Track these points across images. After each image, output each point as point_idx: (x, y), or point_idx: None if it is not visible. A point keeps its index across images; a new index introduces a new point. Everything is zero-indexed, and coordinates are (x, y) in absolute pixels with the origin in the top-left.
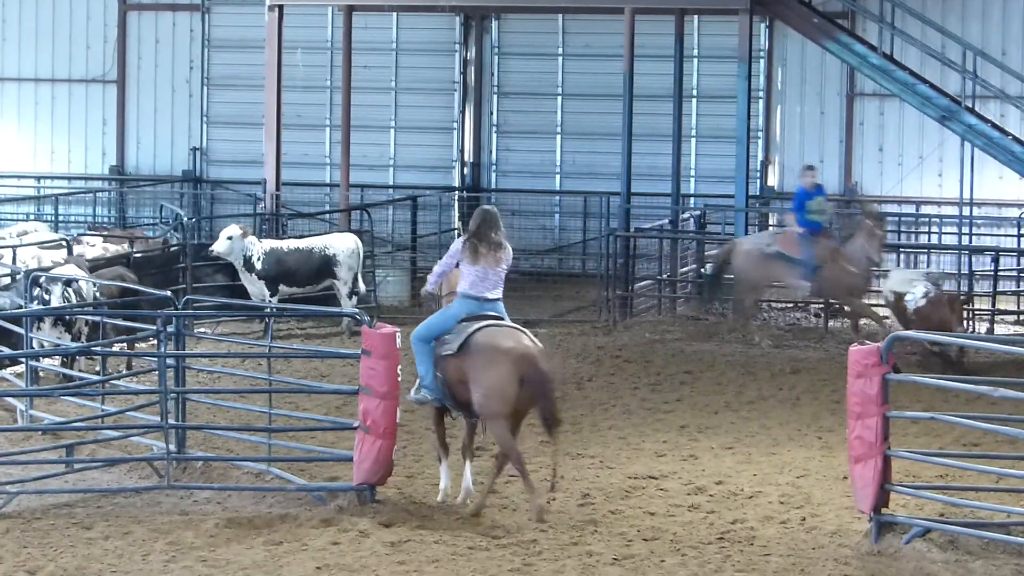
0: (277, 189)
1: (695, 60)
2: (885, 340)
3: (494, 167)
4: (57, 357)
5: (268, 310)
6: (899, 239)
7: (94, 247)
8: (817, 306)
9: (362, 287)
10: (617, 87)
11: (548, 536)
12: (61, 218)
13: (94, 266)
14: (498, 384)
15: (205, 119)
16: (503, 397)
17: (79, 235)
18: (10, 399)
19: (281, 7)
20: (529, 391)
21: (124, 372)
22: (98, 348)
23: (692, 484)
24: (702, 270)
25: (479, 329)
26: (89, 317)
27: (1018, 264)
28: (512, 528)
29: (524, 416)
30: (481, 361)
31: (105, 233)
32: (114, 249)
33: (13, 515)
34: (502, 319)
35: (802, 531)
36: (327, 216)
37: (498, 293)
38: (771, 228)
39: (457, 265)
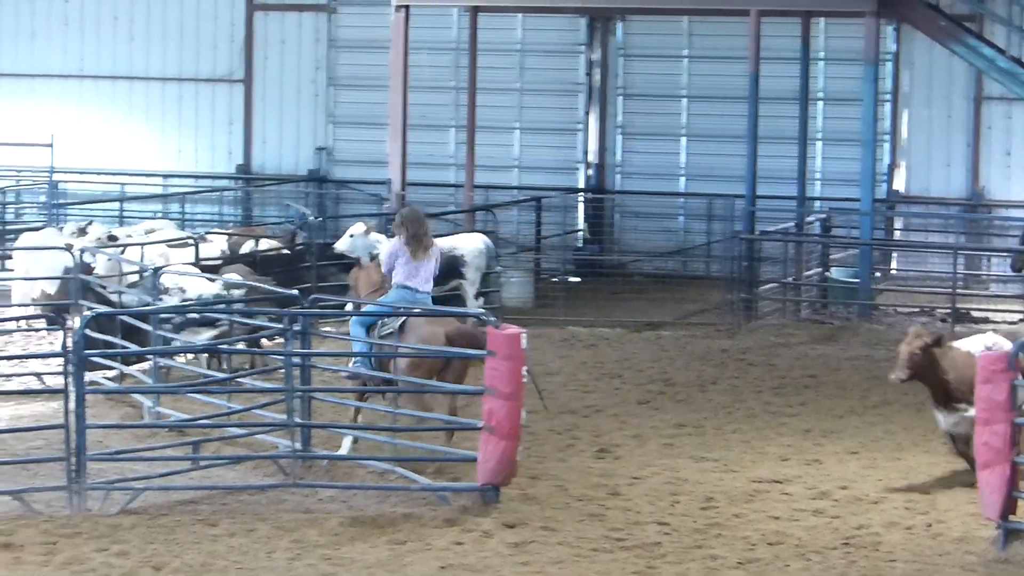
0: (402, 189)
1: (821, 62)
2: (1013, 346)
3: (618, 168)
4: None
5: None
6: None
7: (213, 244)
8: (943, 311)
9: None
10: (742, 89)
11: (671, 539)
12: (187, 216)
13: (215, 266)
14: (426, 339)
15: (330, 119)
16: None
17: (205, 233)
18: (137, 396)
19: (407, 8)
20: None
21: (250, 370)
22: (224, 346)
23: (816, 488)
24: (827, 274)
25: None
26: (222, 317)
27: None
28: (636, 531)
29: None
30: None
31: (231, 232)
32: (248, 246)
33: (139, 511)
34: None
35: (927, 537)
36: (451, 216)
37: (428, 286)
38: None
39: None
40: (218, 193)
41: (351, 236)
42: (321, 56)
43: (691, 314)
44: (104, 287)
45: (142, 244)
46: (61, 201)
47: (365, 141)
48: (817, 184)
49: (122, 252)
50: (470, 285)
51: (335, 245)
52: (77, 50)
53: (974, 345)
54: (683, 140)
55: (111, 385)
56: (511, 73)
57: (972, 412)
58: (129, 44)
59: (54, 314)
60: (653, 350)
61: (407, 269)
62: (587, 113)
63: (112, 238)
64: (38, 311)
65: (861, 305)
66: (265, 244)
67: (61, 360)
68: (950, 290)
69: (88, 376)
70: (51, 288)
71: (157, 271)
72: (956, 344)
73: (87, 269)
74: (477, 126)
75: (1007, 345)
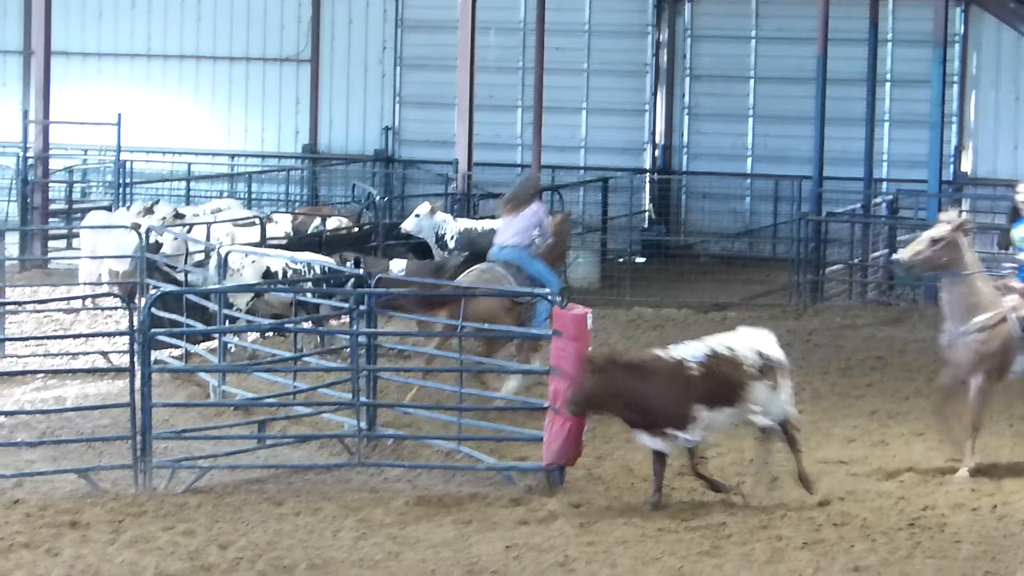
0: (469, 169)
1: (889, 44)
2: None
3: (685, 149)
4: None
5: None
6: None
7: (278, 224)
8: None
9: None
10: (810, 71)
11: (737, 519)
12: (254, 196)
13: (283, 245)
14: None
15: (397, 99)
16: None
17: (271, 213)
18: (203, 375)
19: None
20: None
21: (316, 349)
22: (290, 325)
23: (882, 470)
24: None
25: None
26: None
27: None
28: (701, 511)
29: None
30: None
31: (297, 211)
32: (314, 225)
33: (205, 490)
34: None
35: (993, 519)
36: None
37: (514, 239)
38: None
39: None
40: (284, 173)
41: (417, 216)
42: (388, 36)
43: (757, 295)
44: (172, 266)
45: (208, 223)
46: (128, 180)
47: (432, 121)
48: (884, 166)
49: (188, 231)
50: None
51: (402, 225)
52: (144, 30)
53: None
54: (750, 121)
55: (177, 364)
56: (578, 54)
57: None
58: (196, 24)
59: (121, 293)
60: (719, 331)
61: (502, 226)
62: (654, 94)
63: (178, 216)
64: (105, 290)
65: (927, 287)
66: (332, 223)
67: (127, 339)
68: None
69: (154, 355)
70: (118, 267)
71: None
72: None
73: (154, 248)
74: (544, 107)
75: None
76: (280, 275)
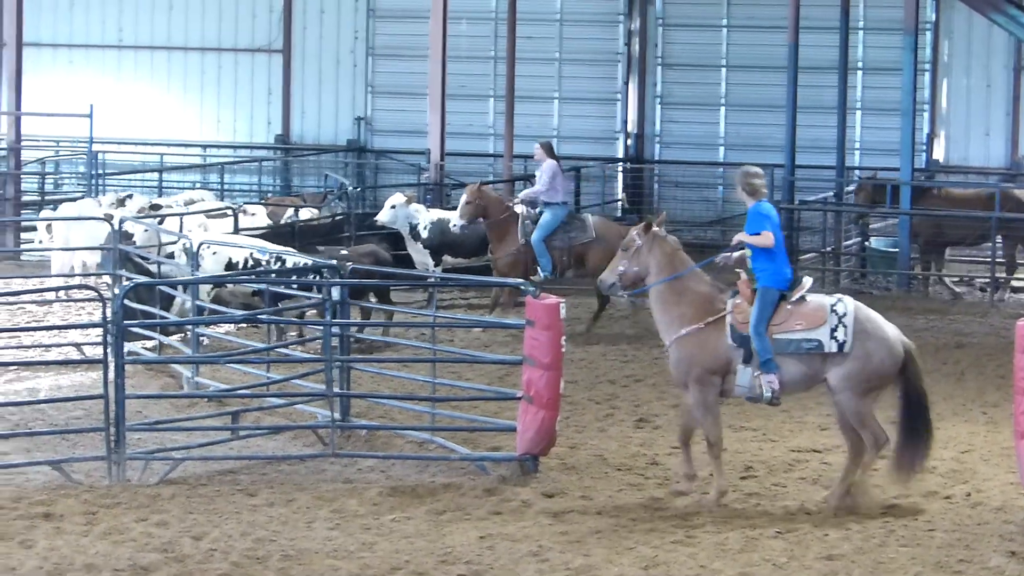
0: (441, 159)
1: (861, 32)
2: None
3: (657, 139)
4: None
5: (432, 280)
6: None
7: (255, 216)
8: (983, 280)
9: None
10: (782, 59)
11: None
12: (226, 187)
13: (259, 235)
14: None
15: (369, 89)
16: None
17: (244, 204)
18: (176, 366)
19: None
20: None
21: (289, 340)
22: (263, 316)
23: None
24: (866, 243)
25: None
26: (258, 286)
27: None
28: (675, 500)
29: None
30: None
31: (268, 202)
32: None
33: (179, 481)
34: None
35: (967, 507)
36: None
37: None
38: None
39: None
40: (257, 163)
41: (392, 207)
42: (360, 25)
43: (731, 284)
44: (144, 257)
45: (181, 215)
46: (100, 172)
47: (404, 111)
48: (856, 154)
49: (160, 222)
50: None
51: (377, 217)
52: (116, 20)
53: None
54: (722, 110)
55: (150, 355)
56: (550, 43)
57: None
58: (168, 14)
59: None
60: None
61: None
62: (626, 83)
63: (155, 207)
64: (78, 282)
65: (900, 275)
66: (305, 214)
67: (100, 330)
68: (989, 259)
69: (127, 346)
70: (90, 258)
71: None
72: None
73: (125, 239)
74: (516, 96)
75: None
76: (241, 266)
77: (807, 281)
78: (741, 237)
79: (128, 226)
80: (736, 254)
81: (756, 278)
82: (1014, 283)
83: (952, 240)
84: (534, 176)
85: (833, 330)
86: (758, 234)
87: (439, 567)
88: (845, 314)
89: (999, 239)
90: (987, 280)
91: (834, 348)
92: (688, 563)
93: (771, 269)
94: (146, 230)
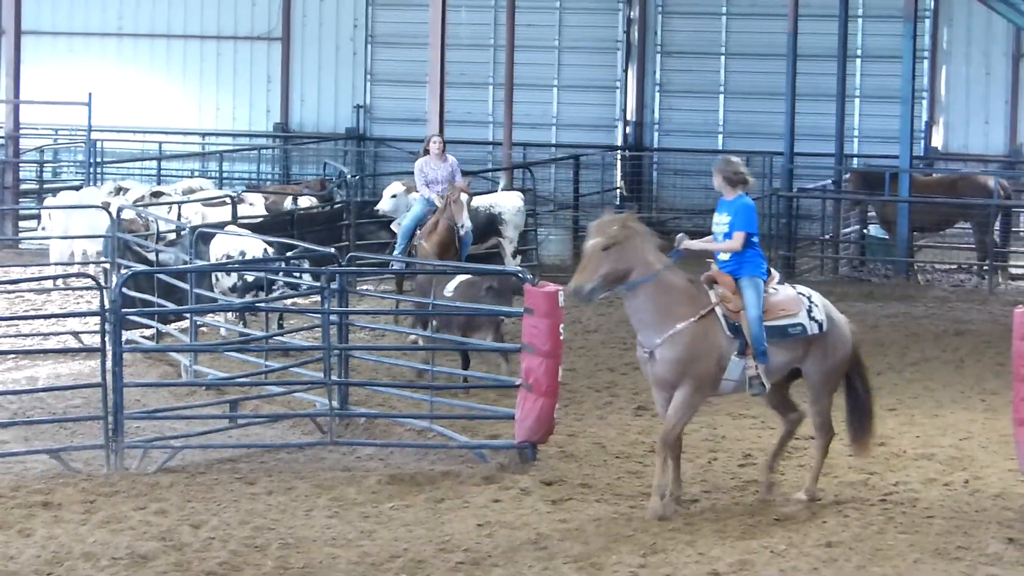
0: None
1: (860, 20)
2: None
3: (657, 126)
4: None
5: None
6: None
7: (253, 205)
8: (982, 267)
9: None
10: (781, 46)
11: (710, 496)
12: (225, 175)
13: (257, 224)
14: None
15: (369, 76)
16: None
17: (242, 192)
18: (175, 354)
19: None
20: None
21: (288, 328)
22: (262, 304)
23: None
24: (864, 231)
25: None
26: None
27: None
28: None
29: None
30: None
31: (267, 191)
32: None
33: (177, 469)
34: None
35: (965, 494)
36: (489, 174)
37: None
38: None
39: None
40: (256, 151)
41: (393, 196)
42: (359, 13)
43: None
44: (143, 246)
45: (179, 203)
46: (99, 160)
47: (403, 99)
48: (855, 141)
49: (145, 208)
50: (508, 243)
51: (377, 207)
52: (115, 8)
53: None
54: (721, 97)
55: (149, 344)
56: (550, 30)
57: None
58: (167, 2)
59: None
60: None
61: None
62: (625, 71)
63: (156, 195)
64: (77, 270)
65: (899, 262)
66: (304, 203)
67: (99, 319)
68: (966, 246)
69: (126, 335)
70: (90, 247)
71: (195, 230)
72: None
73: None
74: (515, 84)
75: None
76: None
77: (775, 273)
78: (704, 245)
79: (127, 215)
80: (697, 245)
81: (733, 271)
82: (1012, 270)
83: (915, 227)
84: (533, 164)
85: (809, 312)
86: (730, 237)
87: (438, 555)
88: (811, 296)
89: (966, 225)
90: (969, 266)
91: (815, 329)
92: (687, 550)
93: (755, 259)
94: (139, 215)
